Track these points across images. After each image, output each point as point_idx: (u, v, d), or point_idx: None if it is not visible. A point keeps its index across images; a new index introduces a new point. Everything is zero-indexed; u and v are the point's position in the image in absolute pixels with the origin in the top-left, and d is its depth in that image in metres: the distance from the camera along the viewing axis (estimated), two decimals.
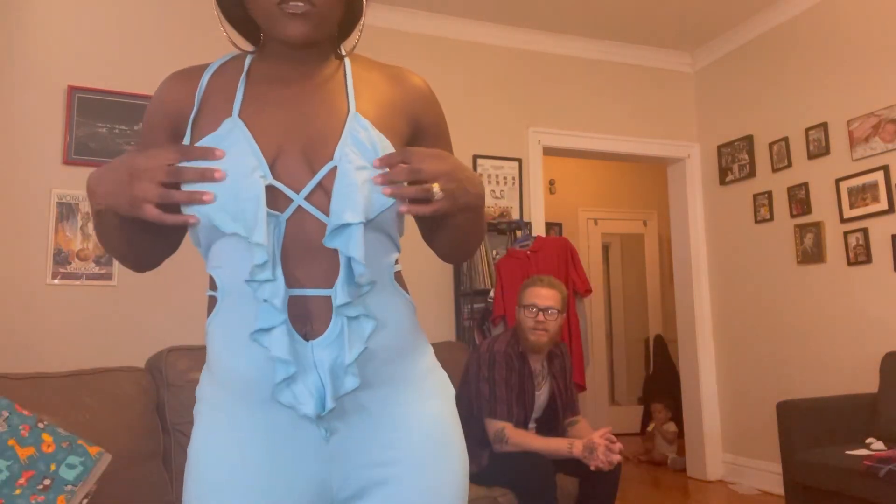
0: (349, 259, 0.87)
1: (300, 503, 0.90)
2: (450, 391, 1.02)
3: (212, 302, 0.94)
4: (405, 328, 0.97)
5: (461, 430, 1.01)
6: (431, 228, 1.06)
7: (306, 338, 0.88)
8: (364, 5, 1.03)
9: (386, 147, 0.93)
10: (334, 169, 0.90)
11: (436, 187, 0.87)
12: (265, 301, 0.86)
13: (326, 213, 0.89)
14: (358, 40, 1.06)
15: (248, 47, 1.06)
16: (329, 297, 0.89)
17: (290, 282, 0.88)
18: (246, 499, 0.88)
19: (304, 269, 0.89)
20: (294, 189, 0.90)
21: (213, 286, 0.95)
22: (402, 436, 0.93)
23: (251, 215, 0.85)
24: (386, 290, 0.95)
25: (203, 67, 1.03)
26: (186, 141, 0.95)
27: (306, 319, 0.89)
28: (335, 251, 0.89)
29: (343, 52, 1.05)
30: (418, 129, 1.04)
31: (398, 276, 0.99)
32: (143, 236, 0.98)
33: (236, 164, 0.87)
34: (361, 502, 0.92)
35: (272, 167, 0.90)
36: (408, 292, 1.00)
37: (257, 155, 0.89)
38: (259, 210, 0.85)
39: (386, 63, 1.07)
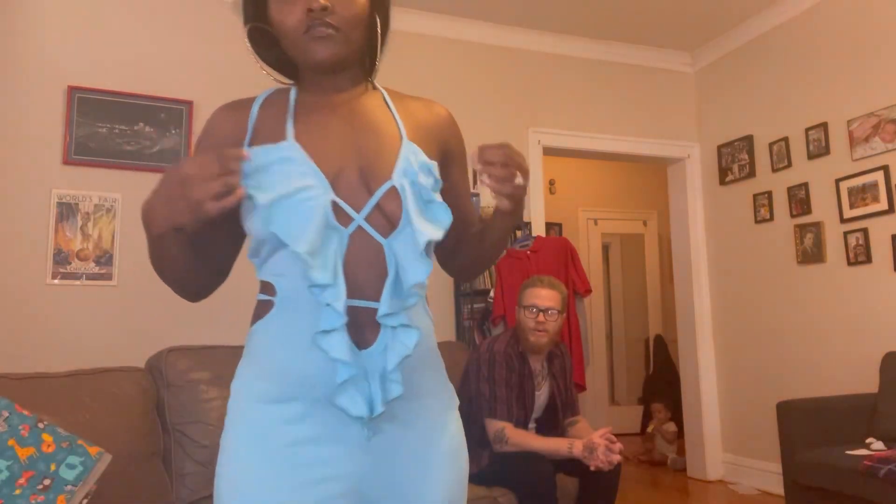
0: (397, 274, 0.96)
1: (337, 493, 0.95)
2: (456, 400, 1.11)
3: (266, 306, 1.00)
4: (432, 343, 1.06)
5: (463, 432, 1.11)
6: (458, 242, 1.17)
7: (358, 346, 0.96)
8: (378, 26, 1.09)
9: (434, 168, 1.03)
10: (391, 189, 0.99)
11: (519, 177, 0.98)
12: (327, 305, 0.92)
13: (381, 232, 0.98)
14: (378, 62, 1.14)
15: (287, 81, 1.14)
16: (374, 307, 0.96)
17: (347, 292, 0.95)
18: (292, 486, 0.93)
19: (357, 282, 0.96)
20: (353, 207, 0.98)
21: (269, 292, 1.01)
22: (433, 447, 1.02)
23: (315, 233, 0.93)
24: (420, 306, 1.03)
25: (251, 99, 1.08)
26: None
27: (358, 329, 0.96)
28: (384, 267, 0.97)
29: (376, 83, 1.14)
30: (446, 153, 1.15)
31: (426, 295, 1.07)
32: (201, 261, 1.04)
33: (299, 183, 0.95)
34: (391, 502, 0.99)
35: (333, 184, 0.98)
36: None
37: (318, 175, 0.97)
38: (323, 227, 0.94)
39: (413, 95, 1.17)
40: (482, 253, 1.17)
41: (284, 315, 0.98)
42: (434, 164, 1.04)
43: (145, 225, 0.93)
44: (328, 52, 1.00)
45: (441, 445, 1.03)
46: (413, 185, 0.99)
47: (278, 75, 1.14)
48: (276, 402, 0.96)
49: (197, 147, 1.08)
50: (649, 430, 5.28)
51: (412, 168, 1.00)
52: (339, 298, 0.92)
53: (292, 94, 1.08)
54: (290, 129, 1.01)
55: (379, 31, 1.10)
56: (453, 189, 1.17)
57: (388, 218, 0.98)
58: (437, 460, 1.02)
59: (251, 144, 1.02)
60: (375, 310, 0.96)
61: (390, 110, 1.09)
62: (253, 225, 0.97)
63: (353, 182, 0.99)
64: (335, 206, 0.96)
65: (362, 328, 0.96)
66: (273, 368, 0.97)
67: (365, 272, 0.97)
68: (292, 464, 0.94)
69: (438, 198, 1.02)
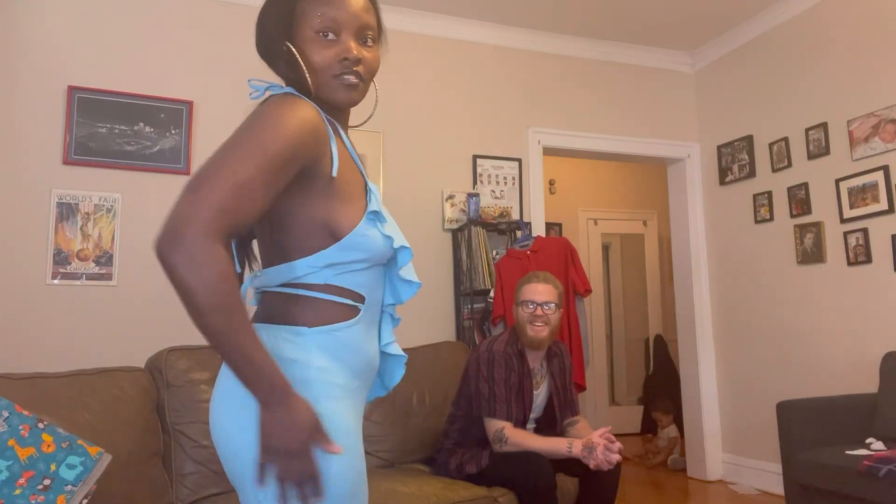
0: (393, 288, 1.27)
1: None
2: None
3: (350, 310, 1.14)
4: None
5: None
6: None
7: None
8: (376, 88, 1.29)
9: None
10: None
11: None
12: (387, 313, 1.24)
13: None
14: (370, 118, 1.42)
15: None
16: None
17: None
18: (362, 450, 1.14)
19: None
20: None
21: (354, 298, 1.15)
22: None
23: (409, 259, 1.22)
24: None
25: (317, 110, 1.11)
26: (335, 172, 1.10)
27: None
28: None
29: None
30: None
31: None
32: None
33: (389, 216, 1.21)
34: None
35: None
36: None
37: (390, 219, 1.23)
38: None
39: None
40: None
41: (366, 319, 1.17)
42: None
43: (243, 363, 0.95)
44: (353, 98, 1.15)
45: None
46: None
47: (294, 89, 1.16)
48: (357, 389, 1.16)
49: (289, 138, 1.02)
50: (657, 441, 5.22)
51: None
52: (398, 317, 1.27)
53: (324, 118, 1.14)
54: (358, 162, 1.20)
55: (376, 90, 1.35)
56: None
57: None
58: None
59: (337, 158, 1.12)
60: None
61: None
62: (376, 242, 1.13)
63: None
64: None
65: None
66: (358, 362, 1.15)
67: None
68: (360, 428, 1.15)
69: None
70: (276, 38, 1.15)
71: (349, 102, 1.15)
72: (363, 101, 1.33)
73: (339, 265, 1.12)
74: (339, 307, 1.13)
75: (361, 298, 1.15)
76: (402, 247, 1.18)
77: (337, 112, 1.19)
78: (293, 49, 1.13)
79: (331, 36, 1.12)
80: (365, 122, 1.34)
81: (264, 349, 0.97)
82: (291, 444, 0.97)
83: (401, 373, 1.30)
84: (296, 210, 1.09)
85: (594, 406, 6.23)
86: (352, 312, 1.14)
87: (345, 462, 1.05)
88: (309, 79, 1.13)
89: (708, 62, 4.79)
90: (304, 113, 1.05)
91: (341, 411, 1.08)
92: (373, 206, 1.14)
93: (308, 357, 1.08)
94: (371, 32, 1.16)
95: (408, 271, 1.22)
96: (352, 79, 1.12)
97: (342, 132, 1.19)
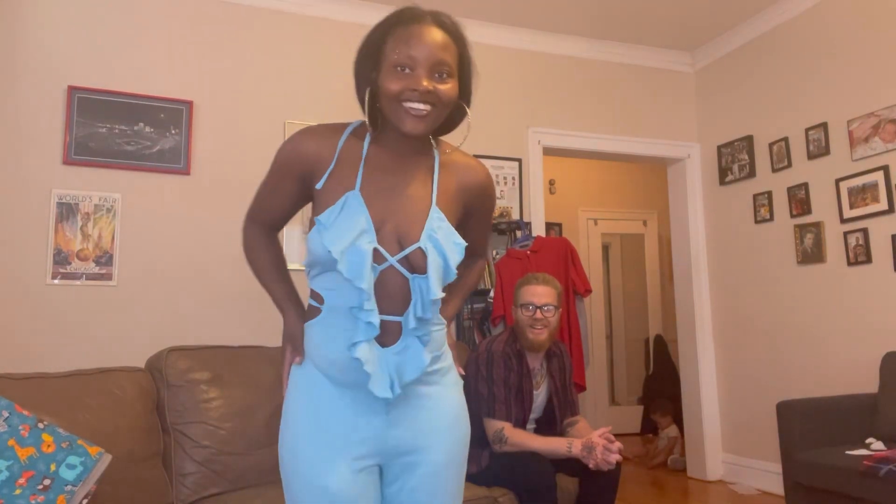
0: (421, 302, 1.30)
1: (366, 450, 1.31)
2: (461, 382, 1.49)
3: (315, 311, 1.35)
4: (440, 341, 1.39)
5: (466, 407, 1.46)
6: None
7: (383, 346, 1.29)
8: (468, 112, 1.41)
9: (454, 234, 1.34)
10: (418, 248, 1.30)
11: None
12: (368, 322, 1.25)
13: (408, 269, 1.30)
14: (463, 142, 1.46)
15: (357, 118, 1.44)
16: (397, 321, 1.31)
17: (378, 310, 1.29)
18: (334, 441, 1.29)
19: (384, 302, 1.29)
20: (389, 251, 1.30)
21: (318, 300, 1.34)
22: (436, 416, 1.37)
23: (360, 267, 1.24)
24: (435, 318, 1.36)
25: (339, 129, 1.38)
26: (320, 185, 1.33)
27: (383, 334, 1.29)
28: (407, 292, 1.30)
29: (434, 146, 1.43)
30: (470, 208, 1.46)
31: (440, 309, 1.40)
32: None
33: (356, 225, 1.27)
34: (409, 457, 1.34)
35: (377, 232, 1.29)
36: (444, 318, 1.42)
37: (369, 223, 1.29)
38: (367, 264, 1.25)
39: (465, 153, 1.47)
40: (457, 291, 1.55)
41: (329, 320, 1.32)
42: (453, 231, 1.34)
43: (269, 292, 1.45)
44: (417, 128, 1.28)
45: (442, 415, 1.37)
46: (436, 248, 1.30)
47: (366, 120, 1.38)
48: (325, 382, 1.32)
49: (281, 162, 1.37)
50: (658, 442, 5.21)
51: (434, 234, 1.31)
52: (374, 317, 1.25)
53: (366, 141, 1.36)
54: (359, 179, 1.32)
55: (469, 114, 1.44)
56: (470, 230, 1.49)
57: (413, 265, 1.30)
58: (439, 425, 1.36)
59: (332, 172, 1.33)
60: (396, 322, 1.30)
61: (433, 173, 1.39)
62: (317, 248, 1.27)
63: (390, 234, 1.30)
64: (375, 250, 1.27)
65: (387, 334, 1.29)
66: (320, 360, 1.32)
67: (389, 295, 1.29)
68: (336, 423, 1.29)
69: (461, 252, 1.34)
70: (364, 74, 1.34)
71: (414, 131, 1.28)
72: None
73: (310, 269, 1.36)
74: (311, 307, 1.36)
75: (322, 300, 1.33)
76: (344, 253, 1.26)
77: (409, 139, 1.34)
78: (366, 96, 1.34)
79: (406, 70, 1.26)
80: (460, 144, 1.46)
81: (278, 283, 1.44)
82: (283, 340, 1.41)
83: (408, 374, 1.31)
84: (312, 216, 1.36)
85: (594, 406, 6.23)
86: (316, 313, 1.34)
87: (289, 435, 1.32)
88: (368, 120, 1.35)
89: (708, 62, 4.79)
90: (293, 141, 1.36)
91: (295, 396, 1.35)
92: (319, 215, 1.29)
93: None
94: (447, 68, 1.29)
95: (355, 273, 1.24)
96: (419, 107, 1.26)
97: (383, 155, 1.36)
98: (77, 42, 3.48)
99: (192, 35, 3.71)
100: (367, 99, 1.33)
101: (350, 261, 1.24)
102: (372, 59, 1.32)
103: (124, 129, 3.48)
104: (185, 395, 2.53)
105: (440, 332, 1.38)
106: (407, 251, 1.30)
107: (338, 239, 1.25)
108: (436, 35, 1.29)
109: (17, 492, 1.88)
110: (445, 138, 1.48)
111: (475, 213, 1.49)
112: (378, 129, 1.37)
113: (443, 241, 1.31)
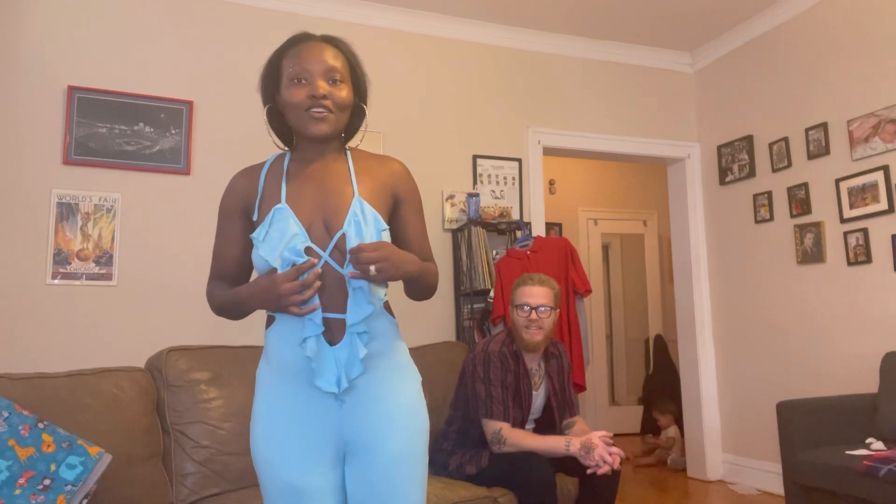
0: (359, 297, 1.39)
1: (324, 444, 1.41)
2: (418, 377, 1.54)
3: (271, 319, 1.45)
4: (390, 338, 1.48)
5: (424, 401, 1.52)
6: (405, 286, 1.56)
7: (331, 343, 1.39)
8: (366, 114, 1.56)
9: (377, 217, 1.42)
10: (342, 235, 1.40)
11: (372, 268, 1.32)
12: (310, 319, 1.35)
13: (340, 264, 1.40)
14: (361, 140, 1.59)
15: (283, 147, 1.59)
16: (342, 318, 1.40)
17: (322, 307, 1.38)
18: (293, 438, 1.39)
19: (328, 300, 1.39)
20: (321, 247, 1.40)
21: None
22: (389, 408, 1.44)
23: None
24: (379, 315, 1.45)
25: (259, 166, 1.52)
26: (255, 216, 1.47)
27: (329, 331, 1.40)
28: (345, 288, 1.40)
29: (347, 149, 1.55)
30: (396, 198, 1.54)
31: (386, 305, 1.49)
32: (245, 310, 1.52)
33: (287, 231, 1.38)
34: (366, 448, 1.41)
35: (308, 233, 1.40)
36: (393, 315, 1.50)
37: (299, 226, 1.40)
38: (301, 262, 1.35)
39: (374, 153, 1.58)
40: (412, 291, 1.55)
41: (281, 325, 1.43)
42: (376, 214, 1.43)
43: (242, 305, 1.43)
44: (322, 129, 1.42)
45: (396, 406, 1.44)
46: (356, 229, 1.39)
47: (279, 141, 1.56)
48: (281, 382, 1.42)
49: (225, 207, 1.51)
50: (661, 443, 5.20)
51: (357, 218, 1.40)
52: (317, 314, 1.35)
53: (286, 160, 1.51)
54: (283, 193, 1.45)
55: (366, 117, 1.58)
56: (403, 224, 1.56)
57: (342, 253, 1.40)
58: (394, 416, 1.43)
59: (260, 202, 1.46)
60: (340, 319, 1.39)
61: (350, 173, 1.49)
62: (258, 262, 1.41)
63: (321, 230, 1.41)
64: (308, 249, 1.39)
65: (333, 331, 1.39)
66: (277, 362, 1.43)
67: (332, 294, 1.39)
68: (293, 420, 1.40)
69: (385, 236, 1.43)
70: (267, 94, 1.49)
71: (319, 133, 1.42)
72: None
73: None
74: (269, 317, 1.48)
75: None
76: (279, 258, 1.36)
77: (319, 144, 1.48)
78: (265, 114, 1.52)
79: (303, 81, 1.41)
80: (356, 145, 1.58)
81: (237, 293, 1.43)
82: (270, 293, 1.34)
83: (355, 370, 1.39)
84: None
85: (594, 406, 6.23)
86: (272, 321, 1.46)
87: (258, 428, 1.42)
88: (279, 139, 1.55)
89: (708, 62, 4.79)
90: (227, 187, 1.53)
91: (257, 397, 1.45)
92: (255, 233, 1.41)
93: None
94: (339, 74, 1.43)
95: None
96: (321, 111, 1.40)
97: (308, 164, 1.49)
98: (77, 42, 3.48)
99: (191, 35, 3.71)
100: (269, 118, 1.51)
101: (286, 263, 1.35)
102: (271, 79, 1.48)
103: (124, 129, 3.48)
104: (185, 395, 2.53)
105: (386, 325, 1.46)
106: (334, 240, 1.40)
107: (272, 249, 1.37)
108: (324, 48, 1.45)
109: (18, 492, 1.88)
110: (362, 146, 1.58)
111: (405, 201, 1.56)
112: (293, 146, 1.52)
113: (363, 225, 1.40)
